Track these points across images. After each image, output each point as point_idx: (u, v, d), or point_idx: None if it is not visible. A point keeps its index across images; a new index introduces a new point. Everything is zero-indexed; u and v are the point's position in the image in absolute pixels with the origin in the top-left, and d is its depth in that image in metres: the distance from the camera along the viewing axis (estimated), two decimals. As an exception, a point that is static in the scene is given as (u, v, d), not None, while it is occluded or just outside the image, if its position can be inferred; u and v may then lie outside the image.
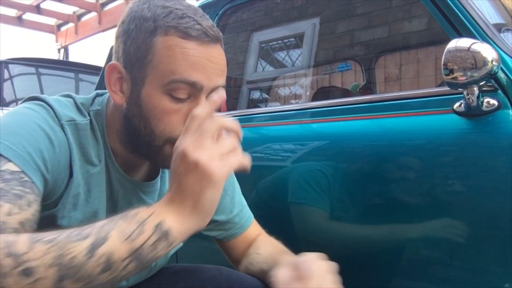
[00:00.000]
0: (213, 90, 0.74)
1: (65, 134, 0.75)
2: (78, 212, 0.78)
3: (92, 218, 0.79)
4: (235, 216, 0.98)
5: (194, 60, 0.72)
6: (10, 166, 0.65)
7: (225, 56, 0.77)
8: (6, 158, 0.65)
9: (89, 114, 0.81)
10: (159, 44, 0.72)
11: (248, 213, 1.02)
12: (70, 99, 0.82)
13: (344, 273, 0.77)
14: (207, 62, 0.72)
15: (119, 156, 0.82)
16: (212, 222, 0.97)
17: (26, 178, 0.66)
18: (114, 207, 0.83)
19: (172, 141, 0.72)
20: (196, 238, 0.99)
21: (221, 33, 0.77)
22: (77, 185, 0.77)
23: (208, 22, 0.74)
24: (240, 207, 1.00)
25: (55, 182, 0.73)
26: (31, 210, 0.65)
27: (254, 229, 1.02)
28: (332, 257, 0.77)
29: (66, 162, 0.75)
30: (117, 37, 0.78)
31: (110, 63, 0.77)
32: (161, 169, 0.89)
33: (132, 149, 0.80)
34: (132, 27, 0.74)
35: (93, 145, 0.79)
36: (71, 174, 0.76)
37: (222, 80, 0.76)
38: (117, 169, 0.82)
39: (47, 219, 0.76)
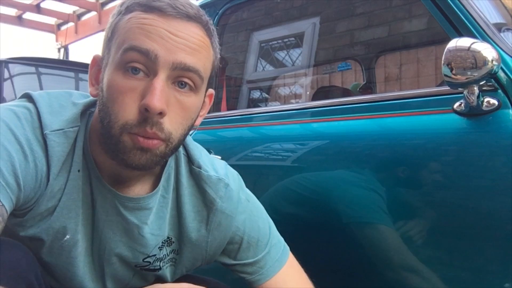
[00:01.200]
0: (178, 67, 0.66)
1: (46, 146, 0.69)
2: (46, 222, 0.73)
3: (60, 230, 0.74)
4: (259, 259, 0.87)
5: (149, 29, 0.65)
6: None
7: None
8: None
9: (82, 117, 0.76)
10: (120, 22, 0.68)
11: (276, 256, 0.89)
12: (69, 100, 0.76)
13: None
14: (167, 33, 0.65)
15: (103, 164, 0.75)
16: (233, 265, 0.89)
17: None
18: (91, 216, 0.76)
19: (128, 130, 0.66)
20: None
21: (204, 16, 0.70)
22: (51, 196, 0.72)
23: (184, 0, 0.68)
24: (265, 250, 0.88)
25: (27, 197, 0.69)
26: None
27: (287, 279, 0.88)
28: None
29: (42, 175, 0.70)
30: None
31: (93, 56, 0.75)
32: (163, 189, 0.80)
33: (105, 151, 0.72)
34: (110, 17, 0.72)
35: (75, 152, 0.73)
36: (46, 187, 0.71)
37: (192, 60, 0.67)
38: (97, 175, 0.75)
39: (13, 227, 0.72)
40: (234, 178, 0.88)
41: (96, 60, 0.74)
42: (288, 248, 0.92)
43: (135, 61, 0.65)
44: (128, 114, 0.65)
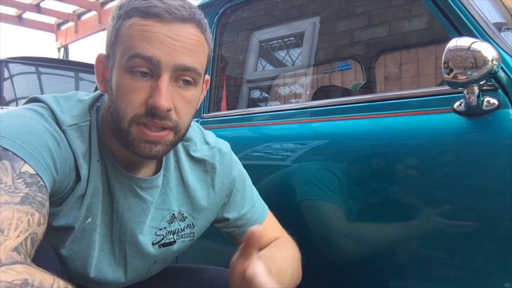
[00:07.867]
0: (178, 69, 0.73)
1: (68, 140, 0.76)
2: (77, 210, 0.79)
3: (85, 214, 0.80)
4: (246, 212, 0.98)
5: (150, 35, 0.71)
6: (28, 168, 0.67)
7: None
8: (21, 159, 0.67)
9: (91, 111, 0.82)
10: (123, 27, 0.74)
11: (260, 209, 1.01)
12: (74, 99, 0.83)
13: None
14: (166, 38, 0.71)
15: (117, 152, 0.82)
16: (225, 220, 0.98)
17: (42, 183, 0.68)
18: (111, 202, 0.84)
19: (137, 121, 0.73)
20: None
21: (196, 14, 0.75)
22: (83, 187, 0.78)
23: (176, 2, 0.73)
24: (251, 203, 1.00)
25: (61, 183, 0.75)
26: (47, 220, 0.67)
27: (270, 228, 1.00)
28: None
29: (71, 164, 0.76)
30: None
31: (97, 54, 0.80)
32: (163, 168, 0.88)
33: (118, 140, 0.79)
34: (109, 19, 0.78)
35: (92, 144, 0.80)
36: (78, 177, 0.78)
37: (190, 60, 0.73)
38: (113, 163, 0.82)
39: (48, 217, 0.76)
40: (224, 143, 1.00)
41: (101, 59, 0.80)
42: (267, 206, 1.04)
43: (140, 66, 0.72)
44: (137, 108, 0.73)
